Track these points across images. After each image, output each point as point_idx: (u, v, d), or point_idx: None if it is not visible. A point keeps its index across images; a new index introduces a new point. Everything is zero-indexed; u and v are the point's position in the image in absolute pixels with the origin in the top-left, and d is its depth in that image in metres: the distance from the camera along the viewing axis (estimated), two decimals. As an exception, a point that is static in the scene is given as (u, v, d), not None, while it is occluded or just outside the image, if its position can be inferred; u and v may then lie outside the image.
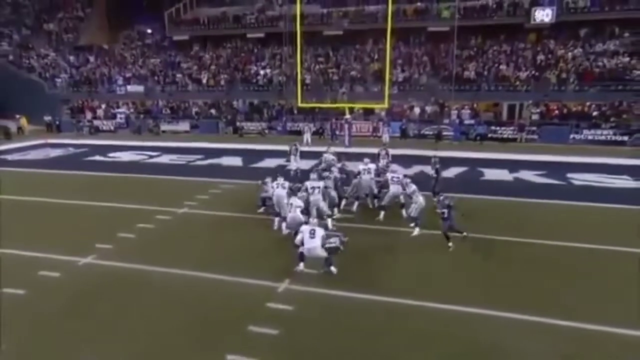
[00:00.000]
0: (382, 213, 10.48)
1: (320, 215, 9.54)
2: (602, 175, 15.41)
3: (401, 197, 10.50)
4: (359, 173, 11.30)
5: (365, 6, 31.63)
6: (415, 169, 15.76)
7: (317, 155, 13.66)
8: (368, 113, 27.65)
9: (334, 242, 7.66)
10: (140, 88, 33.24)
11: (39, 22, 39.66)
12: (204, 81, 32.40)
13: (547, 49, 28.27)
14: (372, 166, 11.72)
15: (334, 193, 10.68)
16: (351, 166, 12.45)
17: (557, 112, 24.84)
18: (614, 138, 22.69)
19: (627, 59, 25.53)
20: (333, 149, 14.14)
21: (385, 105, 23.05)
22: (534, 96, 25.82)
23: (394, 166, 13.15)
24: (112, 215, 11.21)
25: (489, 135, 24.53)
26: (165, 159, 19.64)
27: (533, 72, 26.76)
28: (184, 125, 29.83)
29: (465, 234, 8.71)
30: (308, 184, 9.91)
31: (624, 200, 12.19)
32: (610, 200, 12.12)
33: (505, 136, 24.55)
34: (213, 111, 30.62)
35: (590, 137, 23.13)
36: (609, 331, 5.91)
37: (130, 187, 14.32)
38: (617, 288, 7.11)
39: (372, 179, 11.34)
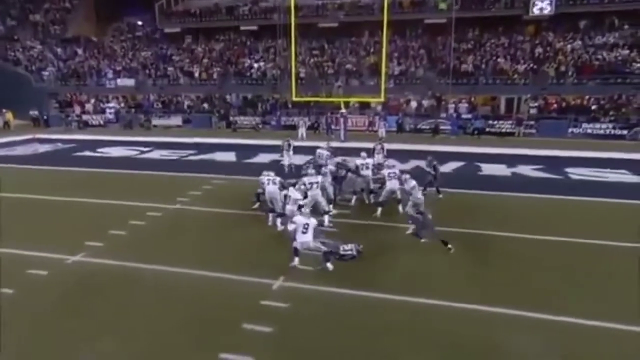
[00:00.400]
0: (380, 209, 10.50)
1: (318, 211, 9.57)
2: (600, 169, 15.53)
3: (398, 192, 10.52)
4: (357, 168, 11.33)
5: (361, -3, 31.58)
6: (412, 163, 15.82)
7: (313, 150, 13.61)
8: (364, 107, 27.67)
9: (350, 250, 7.82)
10: (130, 82, 33.02)
11: (25, 12, 39.23)
12: (196, 75, 32.24)
13: (546, 42, 28.36)
14: (370, 161, 11.74)
15: (330, 189, 10.71)
16: (349, 161, 12.45)
17: (555, 105, 24.97)
18: (613, 132, 22.85)
19: (627, 51, 25.67)
20: (333, 144, 14.10)
21: (382, 99, 23.01)
22: (532, 90, 25.92)
23: (389, 161, 13.17)
24: (102, 212, 11.15)
25: (487, 129, 24.65)
26: (156, 154, 19.56)
27: (531, 65, 26.85)
28: (176, 120, 29.71)
29: (450, 247, 8.42)
30: (306, 179, 9.90)
31: (622, 195, 12.29)
32: (609, 195, 12.21)
33: (503, 130, 24.67)
34: (206, 105, 30.51)
35: (589, 131, 23.30)
36: (607, 327, 5.96)
37: (121, 183, 14.25)
38: (615, 284, 7.17)
39: (370, 176, 11.36)
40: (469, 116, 25.50)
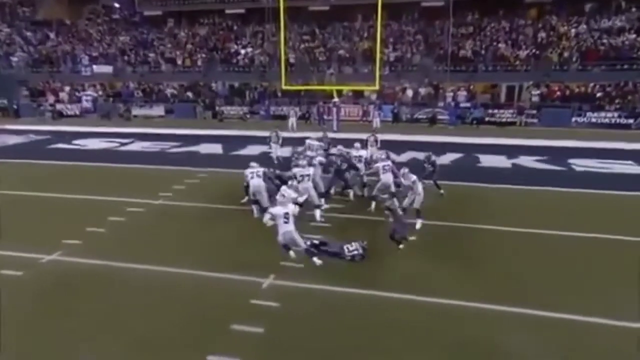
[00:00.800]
0: (374, 203, 10.55)
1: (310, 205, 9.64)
2: (605, 160, 15.71)
3: (392, 186, 10.59)
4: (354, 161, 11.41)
5: (354, -21, 31.47)
6: (408, 155, 15.89)
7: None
8: (357, 96, 27.68)
9: (355, 250, 7.89)
10: (108, 69, 32.66)
11: (-10, -7, 38.57)
12: (179, 61, 31.96)
13: (549, 26, 28.50)
14: (364, 153, 11.82)
15: (321, 182, 10.75)
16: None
17: (558, 93, 25.14)
18: (618, 121, 23.09)
19: (634, 35, 25.80)
20: (329, 134, 14.08)
21: (376, 87, 23.06)
22: (535, 76, 26.08)
23: (381, 153, 13.18)
24: (79, 208, 11.06)
25: (486, 118, 24.80)
26: (137, 146, 19.42)
27: (533, 50, 26.99)
28: (158, 110, 29.48)
29: (400, 246, 8.33)
30: (297, 170, 9.93)
31: (628, 187, 12.45)
32: (615, 187, 12.36)
33: (503, 120, 24.84)
34: (190, 94, 30.29)
35: (593, 120, 23.51)
36: (609, 324, 6.06)
37: (100, 177, 14.14)
38: (619, 279, 7.28)
39: (363, 169, 11.42)
40: (468, 105, 25.63)
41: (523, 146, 18.33)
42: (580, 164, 15.28)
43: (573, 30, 27.57)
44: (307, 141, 13.14)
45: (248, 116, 27.92)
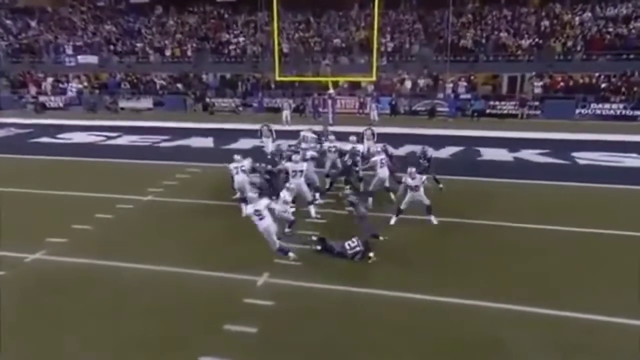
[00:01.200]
0: (370, 199, 10.58)
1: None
2: (610, 153, 15.82)
3: (388, 181, 10.64)
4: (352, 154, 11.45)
5: (350, -35, 31.42)
6: (407, 148, 15.93)
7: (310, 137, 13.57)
8: (354, 87, 27.64)
9: (357, 246, 7.91)
10: (93, 59, 32.44)
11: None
12: (168, 52, 31.77)
13: (552, 14, 28.54)
14: (360, 147, 11.88)
15: (315, 176, 10.77)
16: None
17: (562, 84, 25.22)
18: (624, 112, 23.20)
19: (640, 24, 25.88)
20: (330, 128, 14.04)
21: (373, 79, 22.88)
22: (537, 67, 26.15)
23: (377, 146, 13.20)
24: (65, 204, 11.02)
25: (487, 110, 24.84)
26: (125, 140, 19.34)
27: (536, 40, 27.03)
28: (146, 102, 29.35)
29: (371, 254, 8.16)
30: (289, 165, 9.95)
31: (634, 181, 12.53)
32: (620, 181, 12.45)
33: (505, 112, 24.91)
34: (179, 86, 30.15)
35: (598, 112, 23.62)
36: (611, 321, 6.13)
37: (86, 172, 14.08)
38: (622, 275, 7.34)
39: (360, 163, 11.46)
40: (468, 96, 25.66)
41: (525, 139, 18.41)
42: (584, 157, 15.36)
43: (577, 19, 27.62)
44: (302, 133, 13.15)
45: (240, 109, 27.84)
